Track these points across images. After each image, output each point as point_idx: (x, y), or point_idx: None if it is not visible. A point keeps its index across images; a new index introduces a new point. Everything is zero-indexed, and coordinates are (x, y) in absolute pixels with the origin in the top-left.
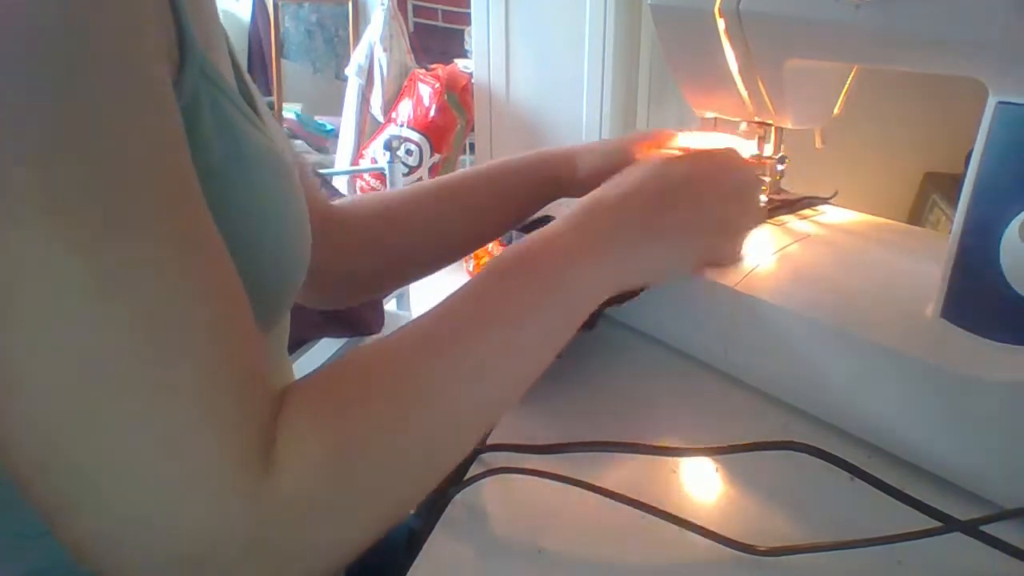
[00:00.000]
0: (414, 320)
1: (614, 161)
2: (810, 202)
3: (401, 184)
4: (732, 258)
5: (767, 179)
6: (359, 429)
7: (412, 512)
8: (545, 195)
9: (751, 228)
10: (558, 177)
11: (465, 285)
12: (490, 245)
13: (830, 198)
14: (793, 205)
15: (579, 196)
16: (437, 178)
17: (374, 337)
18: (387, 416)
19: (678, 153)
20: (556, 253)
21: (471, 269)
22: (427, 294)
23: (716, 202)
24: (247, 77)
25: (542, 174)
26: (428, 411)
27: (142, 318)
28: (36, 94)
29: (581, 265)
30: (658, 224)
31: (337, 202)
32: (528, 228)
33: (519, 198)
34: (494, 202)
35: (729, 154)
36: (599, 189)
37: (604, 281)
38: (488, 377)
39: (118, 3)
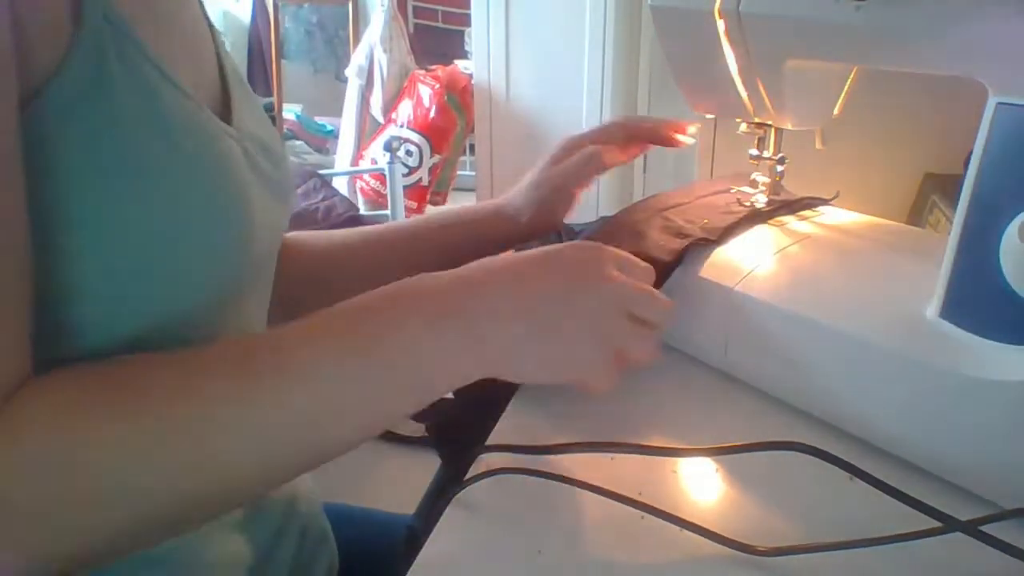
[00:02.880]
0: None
1: (543, 194)
2: (810, 202)
3: (401, 184)
4: (602, 373)
5: (767, 179)
6: (91, 427)
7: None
8: (489, 250)
9: (623, 343)
10: (496, 232)
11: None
12: None
13: (831, 199)
14: (793, 205)
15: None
16: (385, 224)
17: None
18: (121, 431)
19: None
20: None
21: None
22: None
23: (586, 291)
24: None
25: (477, 230)
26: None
27: None
28: None
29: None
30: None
31: (286, 235)
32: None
33: (461, 252)
34: (432, 255)
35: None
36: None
37: (450, 356)
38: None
39: None
